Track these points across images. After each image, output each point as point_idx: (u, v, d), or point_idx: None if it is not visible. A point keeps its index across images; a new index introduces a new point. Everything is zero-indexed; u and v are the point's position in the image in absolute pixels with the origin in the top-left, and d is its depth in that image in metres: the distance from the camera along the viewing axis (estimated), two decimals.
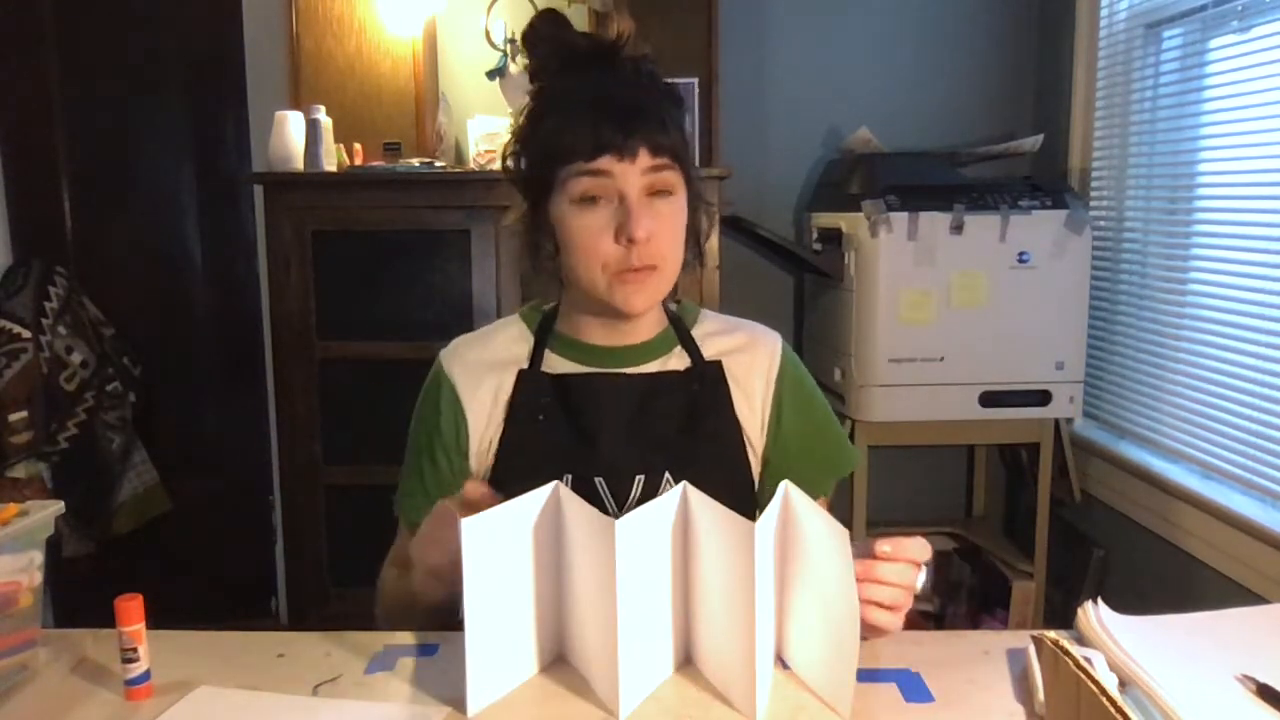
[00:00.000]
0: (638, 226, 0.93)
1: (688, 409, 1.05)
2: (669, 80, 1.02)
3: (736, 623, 0.78)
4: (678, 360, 1.07)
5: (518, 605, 0.83)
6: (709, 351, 1.08)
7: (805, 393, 1.10)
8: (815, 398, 1.11)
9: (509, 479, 1.02)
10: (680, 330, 1.09)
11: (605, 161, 0.93)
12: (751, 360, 1.09)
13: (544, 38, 0.99)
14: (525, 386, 1.05)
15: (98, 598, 0.92)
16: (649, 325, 1.07)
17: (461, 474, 1.06)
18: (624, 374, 1.05)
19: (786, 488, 0.81)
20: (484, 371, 1.06)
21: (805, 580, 0.81)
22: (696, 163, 1.33)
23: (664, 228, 0.96)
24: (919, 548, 0.85)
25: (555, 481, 0.83)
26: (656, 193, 0.96)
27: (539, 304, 1.12)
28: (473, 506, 0.80)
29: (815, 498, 1.06)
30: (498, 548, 0.80)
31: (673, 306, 1.12)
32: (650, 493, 1.01)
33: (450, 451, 1.05)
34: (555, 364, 1.06)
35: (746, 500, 1.08)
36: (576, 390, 1.04)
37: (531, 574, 0.83)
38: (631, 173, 0.94)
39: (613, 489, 1.01)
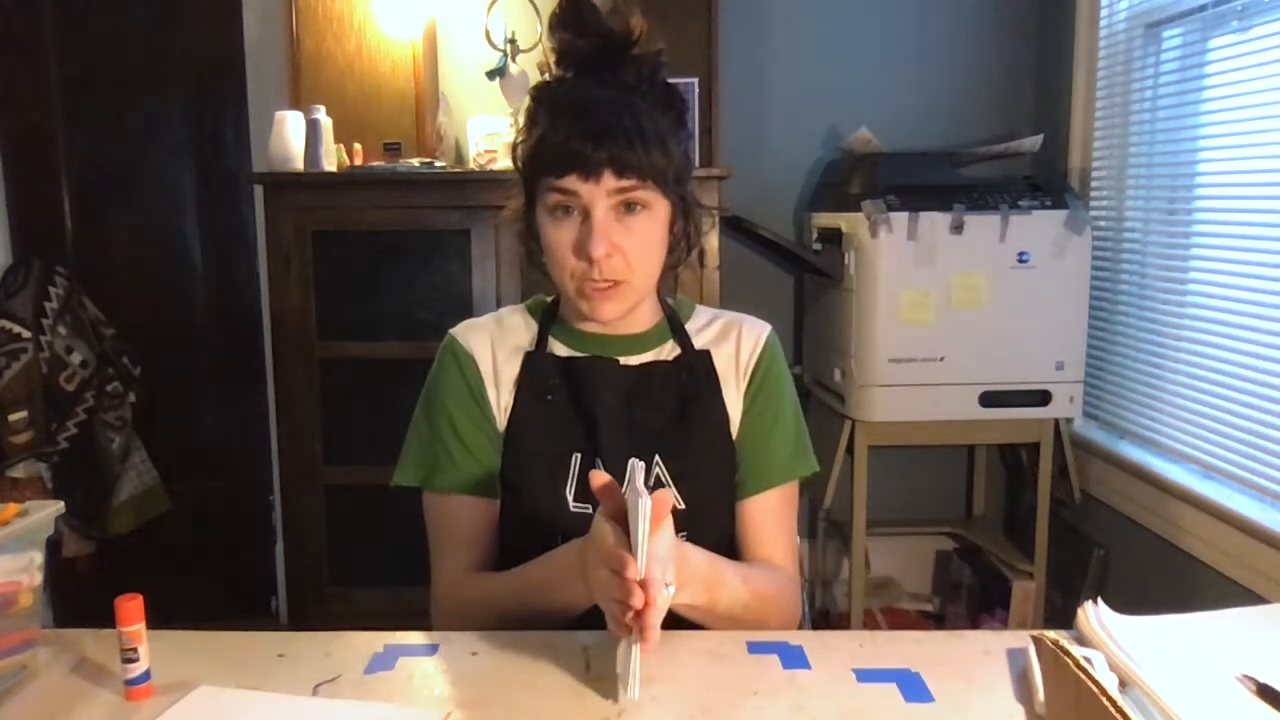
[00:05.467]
0: (596, 246, 0.95)
1: (678, 398, 1.07)
2: (674, 82, 1.03)
3: None
4: (670, 351, 1.10)
5: None
6: (699, 342, 1.11)
7: (777, 383, 1.11)
8: (786, 392, 1.12)
9: (519, 455, 1.06)
10: (674, 323, 1.11)
11: (571, 181, 0.95)
12: (736, 347, 1.11)
13: (560, 34, 1.00)
14: (534, 367, 1.08)
15: (98, 598, 0.92)
16: (645, 317, 1.10)
17: (493, 437, 1.07)
18: (617, 363, 1.07)
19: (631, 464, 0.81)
20: (496, 348, 1.09)
21: None
22: (696, 163, 1.33)
23: (630, 244, 0.98)
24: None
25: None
26: (629, 207, 0.98)
27: (542, 296, 1.15)
28: (605, 494, 0.83)
29: (762, 489, 1.08)
30: None
31: (670, 301, 1.14)
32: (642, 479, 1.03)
33: (477, 418, 1.07)
34: (558, 349, 1.09)
35: (734, 484, 1.09)
36: (581, 373, 1.07)
37: None
38: (597, 192, 0.96)
39: (610, 472, 1.02)
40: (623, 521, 0.81)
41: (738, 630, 0.96)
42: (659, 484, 1.04)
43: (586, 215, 0.97)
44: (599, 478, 0.83)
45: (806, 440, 1.13)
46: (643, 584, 0.77)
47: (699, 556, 0.92)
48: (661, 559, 0.80)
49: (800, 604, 1.08)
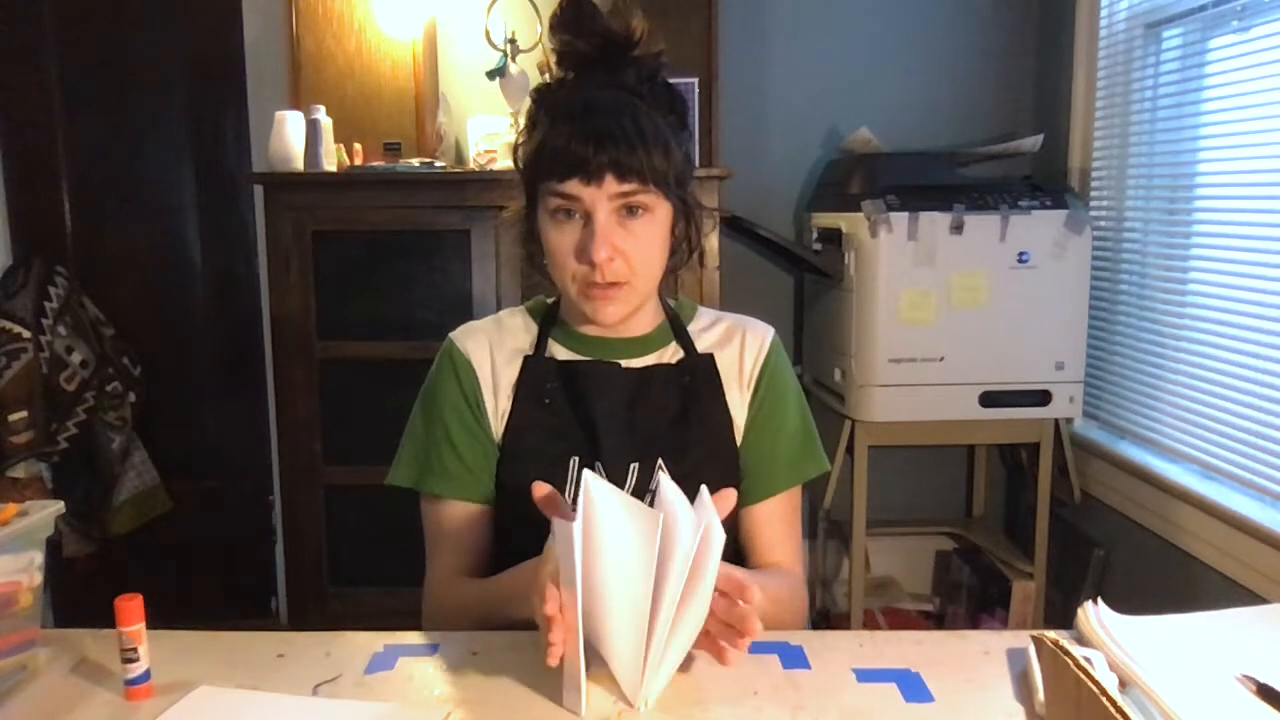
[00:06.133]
0: (598, 250, 0.95)
1: (681, 400, 1.07)
2: (674, 82, 1.03)
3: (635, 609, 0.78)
4: (673, 354, 1.09)
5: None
6: (702, 345, 1.10)
7: (782, 387, 1.11)
8: (792, 395, 1.12)
9: (516, 459, 1.06)
10: (676, 325, 1.11)
11: (573, 185, 0.95)
12: (741, 351, 1.11)
13: (560, 35, 1.00)
14: (532, 370, 1.07)
15: (98, 598, 0.92)
16: (646, 320, 1.09)
17: (488, 445, 1.07)
18: (619, 365, 1.07)
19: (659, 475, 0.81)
20: (495, 352, 1.09)
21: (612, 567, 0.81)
22: (696, 163, 1.33)
23: (632, 247, 0.98)
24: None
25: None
26: (631, 210, 0.97)
27: (543, 297, 1.15)
28: (547, 505, 0.82)
29: (769, 494, 1.09)
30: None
31: (671, 302, 1.14)
32: (644, 481, 1.04)
33: (472, 426, 1.07)
34: (558, 352, 1.09)
35: (737, 488, 1.09)
36: (581, 376, 1.07)
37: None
38: (599, 196, 0.95)
39: (610, 475, 1.02)
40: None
41: None
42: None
43: (588, 218, 0.96)
44: (540, 489, 0.83)
45: (815, 441, 1.13)
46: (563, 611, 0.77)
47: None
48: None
49: (806, 604, 1.09)
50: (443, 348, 1.11)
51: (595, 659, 0.83)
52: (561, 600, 0.78)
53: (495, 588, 0.99)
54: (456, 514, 1.07)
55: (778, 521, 1.10)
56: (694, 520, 0.77)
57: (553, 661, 0.78)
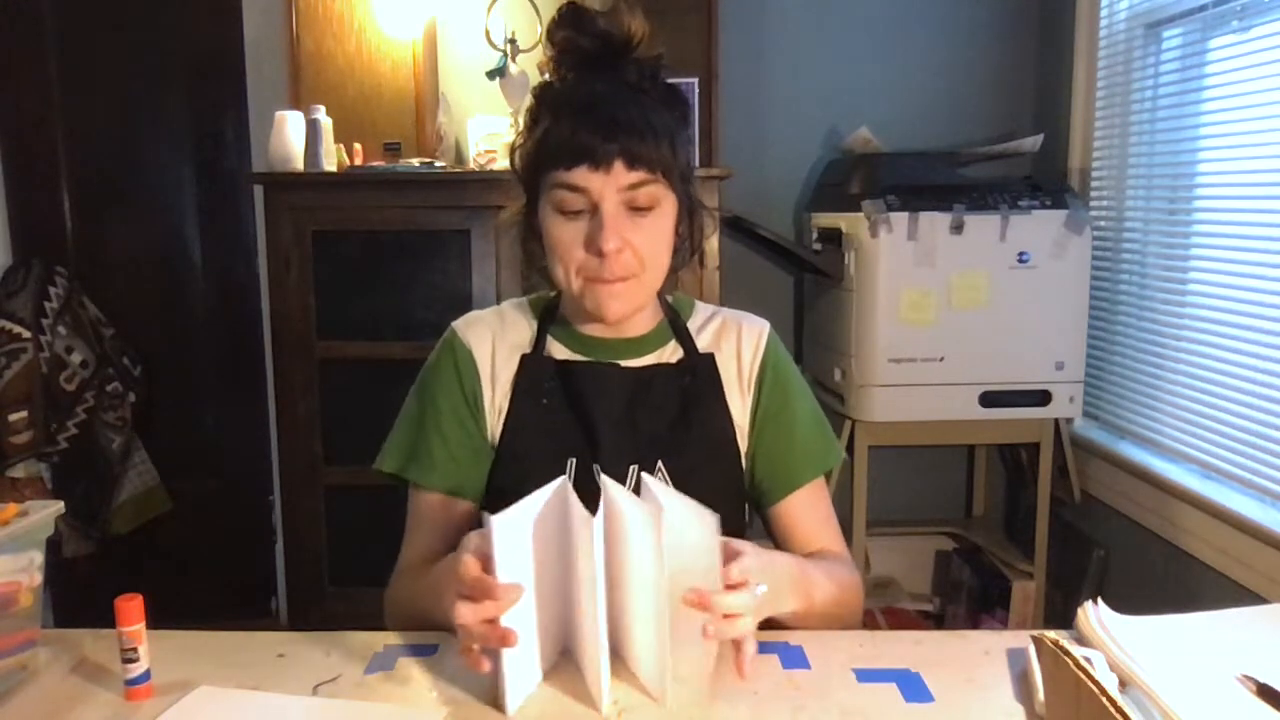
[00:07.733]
0: (607, 241, 0.94)
1: (680, 401, 1.06)
2: (674, 82, 1.02)
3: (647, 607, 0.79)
4: (672, 353, 1.09)
5: (533, 602, 0.82)
6: (702, 343, 1.10)
7: (786, 380, 1.10)
8: (796, 387, 1.11)
9: (513, 457, 1.05)
10: (676, 324, 1.10)
11: (580, 174, 0.94)
12: (738, 348, 1.10)
13: (561, 33, 1.00)
14: (530, 369, 1.07)
15: (98, 598, 0.92)
16: (645, 320, 1.09)
17: (479, 440, 1.06)
18: (618, 365, 1.06)
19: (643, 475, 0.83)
20: (497, 345, 1.08)
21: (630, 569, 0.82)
22: (696, 164, 1.33)
23: (640, 240, 0.97)
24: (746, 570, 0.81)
25: (563, 478, 0.84)
26: (638, 203, 0.96)
27: (544, 293, 1.14)
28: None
29: (795, 488, 1.08)
30: (521, 548, 0.79)
31: (669, 300, 1.13)
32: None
33: (465, 419, 1.06)
34: (557, 351, 1.08)
35: (738, 490, 1.09)
36: (579, 376, 1.06)
37: (533, 571, 0.83)
38: (608, 185, 0.94)
39: (609, 476, 1.02)
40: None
41: (829, 628, 0.96)
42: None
43: (595, 210, 0.95)
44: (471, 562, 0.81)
45: (828, 427, 1.13)
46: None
47: (787, 560, 0.93)
48: (707, 566, 0.79)
49: (862, 589, 1.09)
50: (444, 336, 1.10)
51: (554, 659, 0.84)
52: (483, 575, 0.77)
53: (430, 578, 0.97)
54: (435, 506, 1.06)
55: (810, 510, 1.09)
56: (643, 513, 0.77)
57: (485, 668, 0.78)
